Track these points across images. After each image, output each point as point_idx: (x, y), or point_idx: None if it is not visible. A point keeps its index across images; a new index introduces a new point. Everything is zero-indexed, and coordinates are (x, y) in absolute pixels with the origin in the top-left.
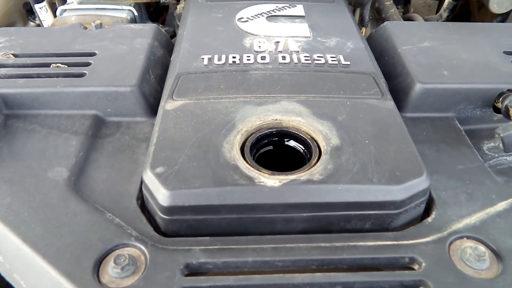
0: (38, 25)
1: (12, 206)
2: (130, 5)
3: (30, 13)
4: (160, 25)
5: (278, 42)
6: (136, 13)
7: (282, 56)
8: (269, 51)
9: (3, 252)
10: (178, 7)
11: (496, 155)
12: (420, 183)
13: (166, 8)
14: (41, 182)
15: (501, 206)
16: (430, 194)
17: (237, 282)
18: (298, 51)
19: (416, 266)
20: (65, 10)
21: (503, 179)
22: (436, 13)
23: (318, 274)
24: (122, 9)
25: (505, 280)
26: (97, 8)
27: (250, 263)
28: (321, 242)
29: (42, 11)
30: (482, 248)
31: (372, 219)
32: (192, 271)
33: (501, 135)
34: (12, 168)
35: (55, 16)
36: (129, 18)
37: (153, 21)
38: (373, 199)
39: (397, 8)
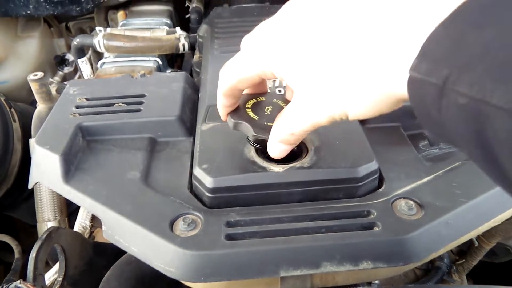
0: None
1: (107, 195)
2: (155, 56)
3: (59, 64)
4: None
5: (274, 80)
6: (160, 62)
7: (279, 90)
8: (269, 87)
9: (106, 223)
10: (195, 56)
11: (427, 149)
12: (372, 166)
13: (180, 56)
14: (122, 181)
15: (426, 179)
16: (380, 174)
17: (260, 229)
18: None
19: (371, 216)
20: (104, 63)
21: (430, 164)
22: None
23: (310, 222)
24: (149, 60)
25: (424, 219)
26: (129, 60)
27: (267, 219)
28: (311, 206)
29: (83, 64)
30: (411, 202)
31: (343, 191)
32: (231, 225)
33: (426, 134)
34: (99, 173)
35: (91, 67)
36: (155, 66)
37: (171, 67)
38: (343, 177)
39: None
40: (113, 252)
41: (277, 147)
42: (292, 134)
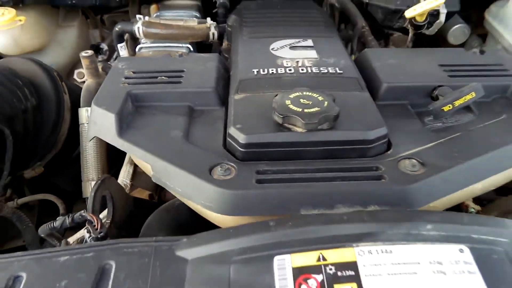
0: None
1: (155, 147)
2: (187, 43)
3: (95, 52)
4: None
5: (298, 61)
6: (191, 49)
7: (301, 69)
8: (293, 66)
9: (155, 169)
10: (224, 44)
11: (431, 123)
12: (382, 131)
13: (207, 46)
14: (167, 137)
15: (429, 145)
16: (389, 140)
17: (284, 177)
18: (310, 66)
19: (379, 170)
20: (141, 47)
21: (433, 134)
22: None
23: (327, 173)
24: (182, 46)
25: (425, 174)
26: (164, 46)
27: (291, 170)
28: (329, 162)
29: (122, 48)
30: (414, 161)
31: (356, 151)
32: (260, 173)
33: (431, 108)
34: (147, 131)
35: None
36: (187, 52)
37: None
38: (358, 138)
39: (380, 43)
40: (150, 208)
41: None
42: None
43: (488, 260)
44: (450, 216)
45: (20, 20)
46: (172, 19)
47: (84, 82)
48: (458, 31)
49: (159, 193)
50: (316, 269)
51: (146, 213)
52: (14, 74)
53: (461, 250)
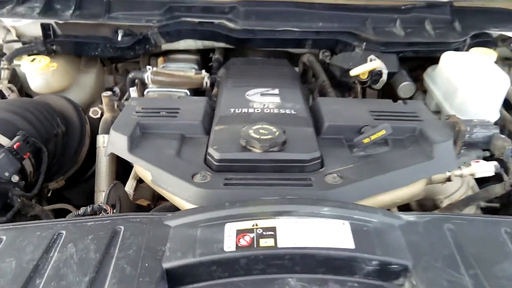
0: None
1: (155, 160)
2: (186, 89)
3: None
4: None
5: (264, 104)
6: (189, 93)
7: (266, 109)
8: (260, 108)
9: (154, 175)
10: (214, 90)
11: (357, 152)
12: (316, 153)
13: (202, 92)
14: (163, 154)
15: (350, 166)
16: (322, 161)
17: (243, 181)
18: (273, 108)
19: (310, 181)
20: (149, 91)
21: (356, 159)
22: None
23: (274, 181)
24: (181, 91)
25: (341, 184)
26: (167, 90)
27: (248, 177)
28: (277, 174)
29: (133, 91)
30: (336, 175)
31: (298, 167)
32: (227, 179)
33: (355, 140)
34: (150, 149)
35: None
36: (184, 95)
37: None
38: (298, 158)
39: (345, 95)
40: (147, 212)
41: None
42: None
43: (359, 229)
44: (342, 203)
45: (53, 66)
46: (175, 70)
47: (97, 117)
48: (406, 87)
49: (155, 203)
50: (250, 231)
51: None
52: (50, 107)
53: (343, 224)
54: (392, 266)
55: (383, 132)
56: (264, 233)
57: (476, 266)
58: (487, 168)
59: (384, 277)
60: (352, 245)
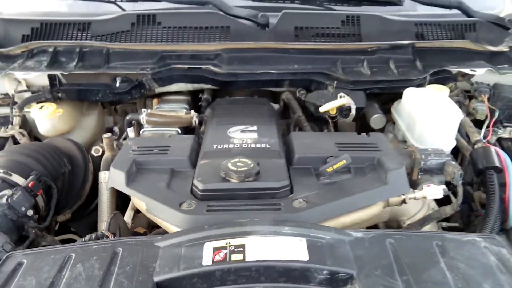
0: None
1: (148, 192)
2: (177, 128)
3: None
4: None
5: (243, 140)
6: (179, 131)
7: (244, 145)
8: (239, 143)
9: (147, 205)
10: (201, 128)
11: (322, 179)
12: (285, 182)
13: (192, 129)
14: (156, 186)
15: (315, 192)
16: (292, 188)
17: (222, 208)
18: (250, 143)
19: (279, 205)
20: (144, 131)
21: (322, 186)
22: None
23: (248, 206)
24: (173, 130)
25: (306, 208)
26: (160, 129)
27: (227, 204)
28: (251, 200)
29: (130, 131)
30: (302, 200)
31: (270, 194)
32: (209, 206)
33: (320, 169)
34: (144, 183)
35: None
36: (175, 133)
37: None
38: (269, 186)
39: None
40: None
41: None
42: None
43: (314, 244)
44: (300, 223)
45: (59, 112)
46: (168, 110)
47: (99, 155)
48: (377, 119)
49: (151, 231)
50: (224, 248)
51: None
52: (57, 149)
53: (301, 240)
54: (340, 274)
55: (343, 162)
56: (235, 249)
57: (409, 273)
58: (437, 192)
59: (334, 285)
60: (306, 257)
